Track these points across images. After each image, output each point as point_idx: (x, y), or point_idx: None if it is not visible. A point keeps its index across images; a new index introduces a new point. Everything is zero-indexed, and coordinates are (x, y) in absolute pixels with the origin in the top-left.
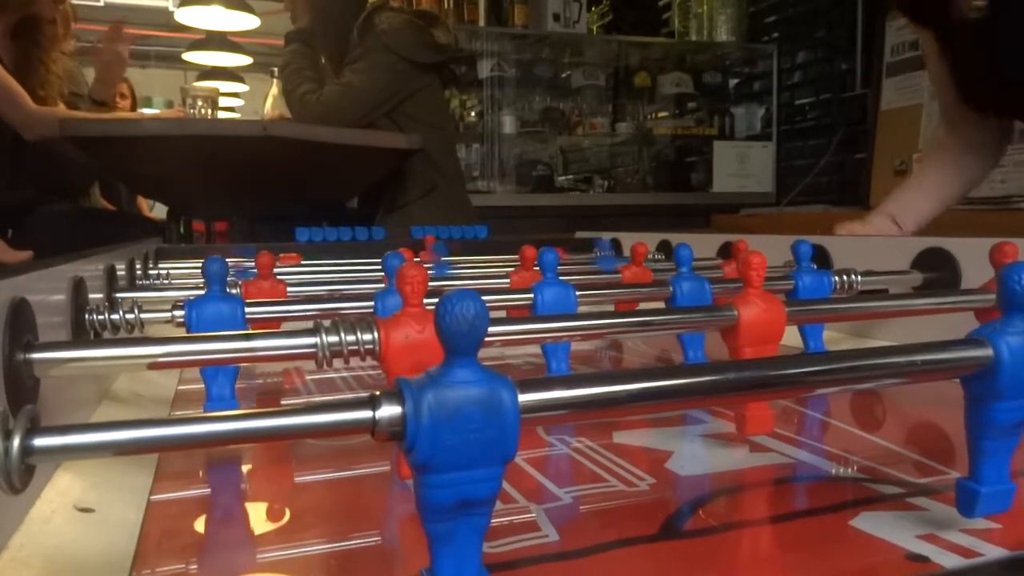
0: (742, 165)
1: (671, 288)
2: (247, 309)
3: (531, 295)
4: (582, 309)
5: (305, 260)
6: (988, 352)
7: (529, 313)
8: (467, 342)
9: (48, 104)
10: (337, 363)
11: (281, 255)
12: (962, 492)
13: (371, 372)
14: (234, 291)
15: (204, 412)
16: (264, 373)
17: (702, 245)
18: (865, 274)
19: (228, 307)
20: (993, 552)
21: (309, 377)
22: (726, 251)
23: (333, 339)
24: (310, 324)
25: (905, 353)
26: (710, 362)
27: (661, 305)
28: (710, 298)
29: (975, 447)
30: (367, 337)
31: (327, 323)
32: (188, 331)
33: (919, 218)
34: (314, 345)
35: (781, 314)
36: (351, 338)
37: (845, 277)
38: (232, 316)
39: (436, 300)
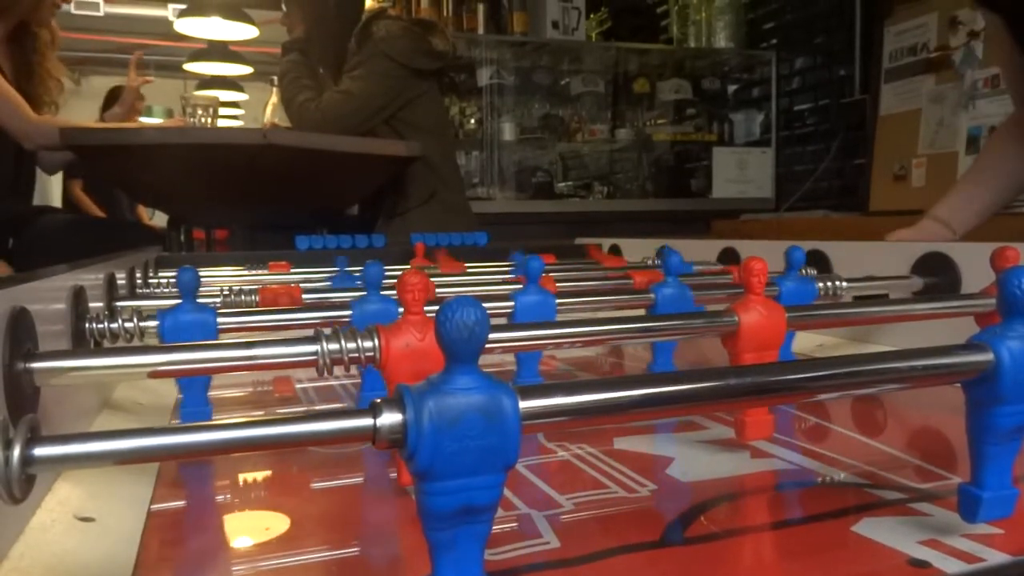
0: (741, 171)
1: (652, 295)
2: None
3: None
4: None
5: (304, 268)
6: (989, 357)
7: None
8: (468, 349)
9: (47, 109)
10: (337, 370)
11: (270, 263)
12: (964, 497)
13: None
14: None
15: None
16: (264, 380)
17: (702, 251)
18: (865, 279)
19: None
20: (995, 557)
21: (310, 384)
22: (726, 257)
23: (334, 347)
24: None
25: (906, 358)
26: (711, 367)
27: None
28: (691, 305)
29: (977, 452)
30: (367, 344)
31: (327, 331)
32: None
33: (973, 219)
34: (315, 353)
35: (782, 320)
36: (351, 345)
37: (829, 283)
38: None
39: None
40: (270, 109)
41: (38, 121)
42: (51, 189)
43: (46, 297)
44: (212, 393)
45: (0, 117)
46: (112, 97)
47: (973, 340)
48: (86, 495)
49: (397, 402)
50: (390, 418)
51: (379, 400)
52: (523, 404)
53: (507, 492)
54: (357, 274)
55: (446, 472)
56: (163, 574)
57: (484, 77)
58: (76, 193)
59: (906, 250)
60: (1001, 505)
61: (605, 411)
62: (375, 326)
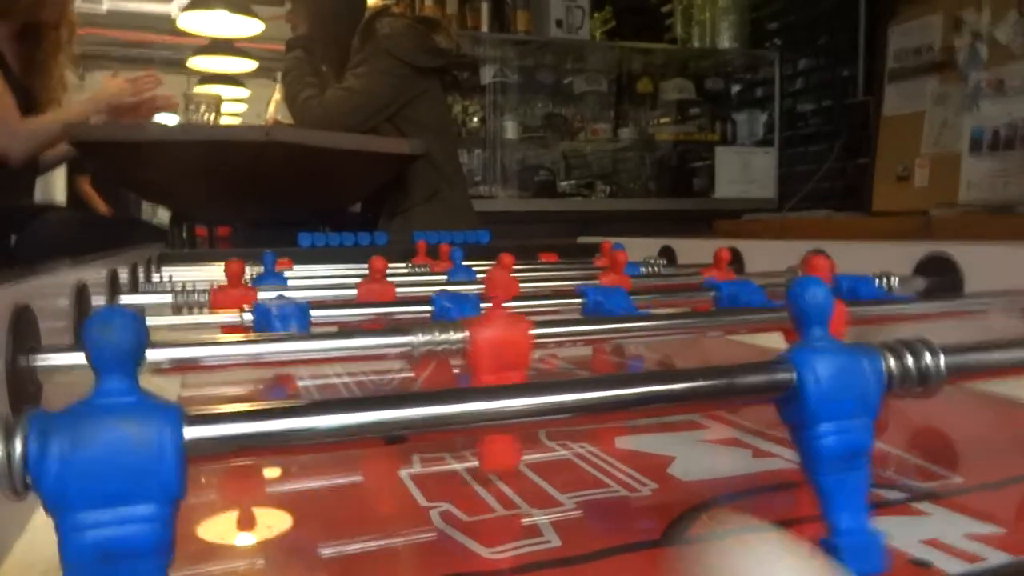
0: (744, 171)
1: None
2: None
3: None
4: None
5: (304, 265)
6: (791, 375)
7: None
8: (118, 361)
9: (51, 107)
10: (338, 368)
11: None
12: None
13: (373, 377)
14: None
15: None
16: (266, 379)
17: (704, 251)
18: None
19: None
20: (997, 557)
21: (312, 382)
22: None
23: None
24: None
25: (709, 376)
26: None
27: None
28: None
29: (819, 491)
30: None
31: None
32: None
33: None
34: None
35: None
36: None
37: (885, 280)
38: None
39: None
40: (273, 106)
41: (23, 135)
42: (54, 185)
43: (49, 294)
44: (215, 391)
45: None
46: None
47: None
48: None
49: (17, 427)
50: (10, 446)
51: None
52: (188, 431)
53: (508, 490)
54: (288, 273)
55: (81, 503)
56: None
57: (487, 75)
58: (84, 189)
59: (909, 251)
60: (863, 555)
61: (285, 440)
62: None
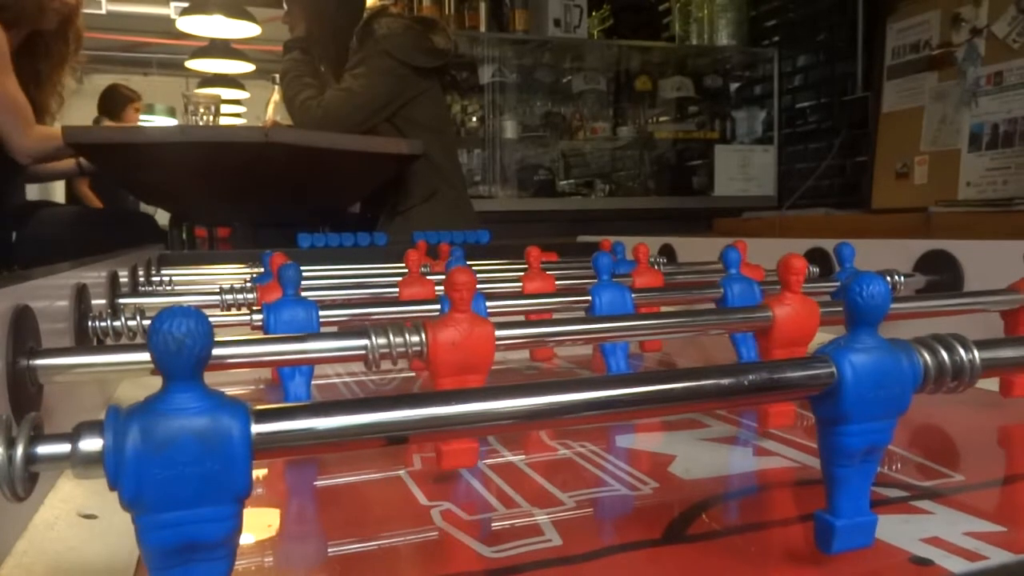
0: (744, 169)
1: (722, 289)
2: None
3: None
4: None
5: (304, 266)
6: (831, 370)
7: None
8: (180, 364)
9: (48, 118)
10: (338, 368)
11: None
12: (818, 525)
13: (373, 377)
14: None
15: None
16: (263, 378)
17: (704, 249)
18: None
19: (303, 310)
20: (998, 555)
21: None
22: None
23: (382, 341)
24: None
25: (739, 373)
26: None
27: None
28: (759, 299)
29: (828, 475)
30: (415, 339)
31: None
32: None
33: None
34: (364, 347)
35: (815, 316)
36: (399, 340)
37: (890, 279)
38: (307, 319)
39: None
40: (272, 107)
41: (37, 136)
42: (53, 187)
43: (49, 295)
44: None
45: (2, 127)
46: (108, 95)
47: (817, 353)
48: (89, 492)
49: (97, 426)
50: (90, 444)
51: (82, 423)
52: (257, 428)
53: (510, 490)
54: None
55: (158, 503)
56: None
57: (486, 75)
58: (82, 190)
59: (908, 248)
60: (858, 534)
61: (351, 435)
62: (422, 321)
